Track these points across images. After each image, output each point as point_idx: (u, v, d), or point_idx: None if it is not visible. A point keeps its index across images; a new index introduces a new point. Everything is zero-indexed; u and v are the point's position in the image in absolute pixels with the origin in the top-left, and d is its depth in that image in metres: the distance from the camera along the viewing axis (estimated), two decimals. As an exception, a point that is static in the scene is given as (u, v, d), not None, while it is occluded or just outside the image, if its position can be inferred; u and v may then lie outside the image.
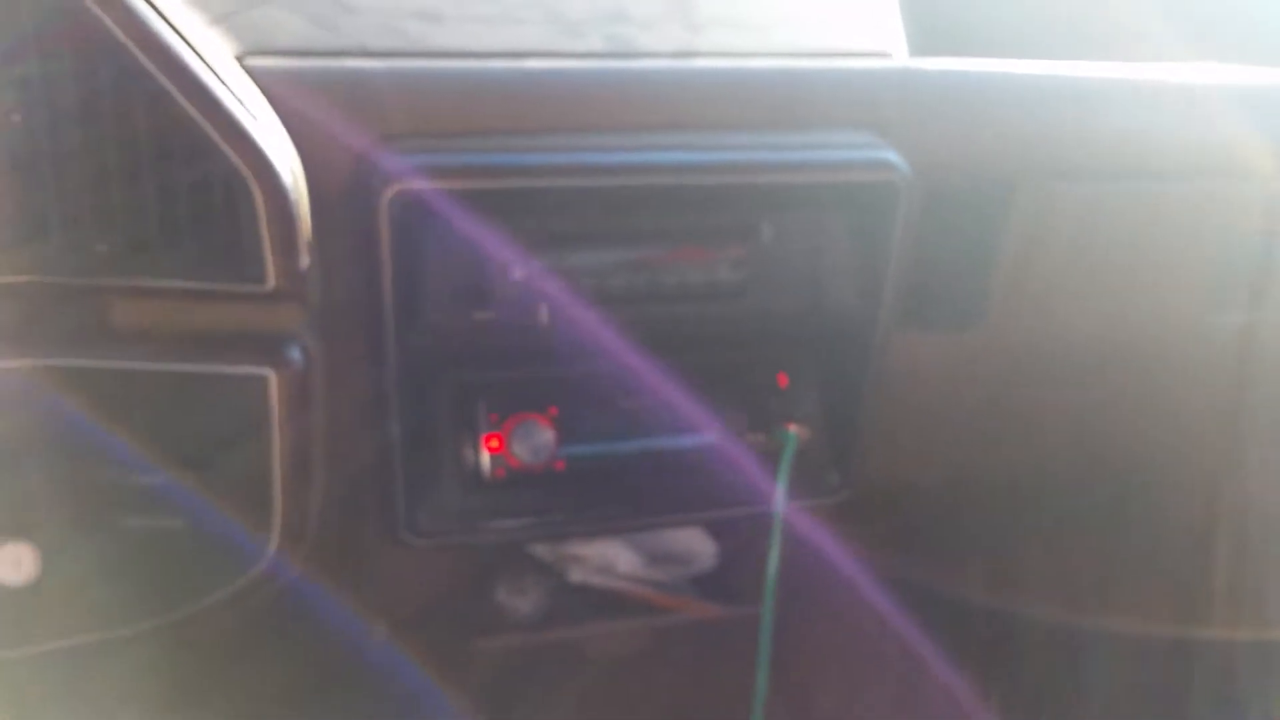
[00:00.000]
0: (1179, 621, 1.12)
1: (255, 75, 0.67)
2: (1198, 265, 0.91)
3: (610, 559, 0.91)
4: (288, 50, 0.70)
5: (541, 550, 0.92)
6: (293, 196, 0.61)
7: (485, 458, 0.78)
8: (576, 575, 0.91)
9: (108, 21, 0.56)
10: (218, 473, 0.63)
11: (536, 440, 0.78)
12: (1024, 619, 1.12)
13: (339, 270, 0.69)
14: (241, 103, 0.61)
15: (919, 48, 0.88)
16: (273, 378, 0.62)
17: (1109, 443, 0.98)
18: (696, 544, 0.96)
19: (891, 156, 0.78)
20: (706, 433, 0.82)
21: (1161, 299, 0.92)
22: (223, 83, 0.60)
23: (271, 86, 0.67)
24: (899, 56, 0.87)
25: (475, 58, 0.74)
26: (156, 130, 0.58)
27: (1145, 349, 0.94)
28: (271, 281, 0.61)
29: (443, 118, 0.72)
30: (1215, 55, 0.93)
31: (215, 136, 0.58)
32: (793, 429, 0.81)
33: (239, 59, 0.68)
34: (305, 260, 0.62)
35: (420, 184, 0.69)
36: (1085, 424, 0.96)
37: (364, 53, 0.72)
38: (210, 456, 0.63)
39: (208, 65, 0.60)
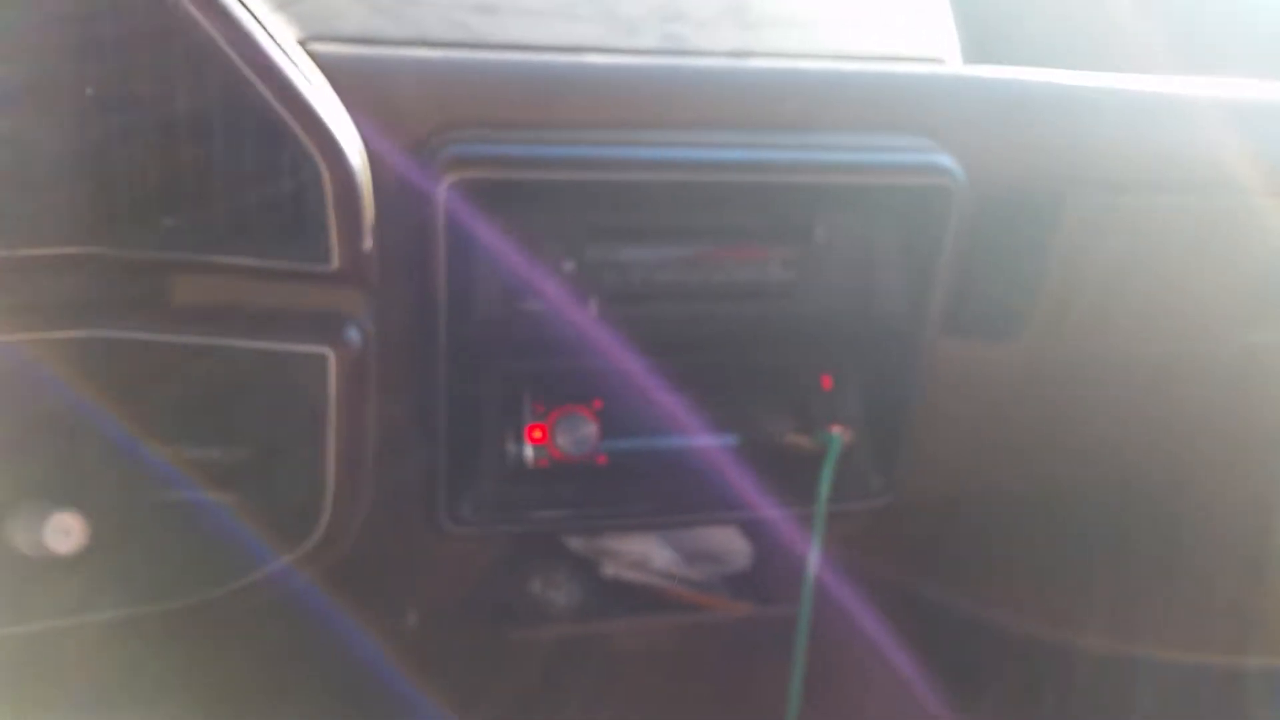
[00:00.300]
0: (1225, 648, 1.11)
1: (318, 60, 0.68)
2: (1244, 282, 0.91)
3: (646, 555, 0.92)
4: (350, 37, 0.71)
5: (576, 544, 0.92)
6: (360, 179, 0.62)
7: (528, 448, 0.78)
8: (610, 570, 0.91)
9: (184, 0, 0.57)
10: (272, 451, 0.64)
11: (580, 432, 0.78)
12: (1055, 640, 1.11)
13: (393, 257, 0.70)
14: (311, 85, 0.62)
15: (971, 55, 0.89)
16: (332, 357, 0.62)
17: (1148, 459, 0.97)
18: (730, 543, 0.96)
19: (947, 161, 0.78)
20: (749, 432, 0.82)
21: (1206, 315, 0.91)
22: (294, 64, 0.61)
23: (333, 72, 0.67)
24: (952, 63, 0.87)
25: (534, 51, 0.75)
26: (228, 108, 0.59)
27: (1189, 365, 0.93)
28: (335, 262, 0.61)
29: (500, 109, 0.72)
30: (1271, 72, 0.92)
31: (287, 117, 0.59)
32: (836, 431, 0.81)
33: (302, 44, 0.69)
34: (369, 243, 0.63)
35: (477, 173, 0.70)
36: (1125, 439, 0.95)
37: (425, 42, 0.73)
38: (265, 434, 0.64)
39: (279, 46, 0.61)
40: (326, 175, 0.60)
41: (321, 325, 0.64)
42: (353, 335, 0.64)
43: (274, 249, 0.61)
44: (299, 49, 0.68)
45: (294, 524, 0.66)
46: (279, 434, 0.64)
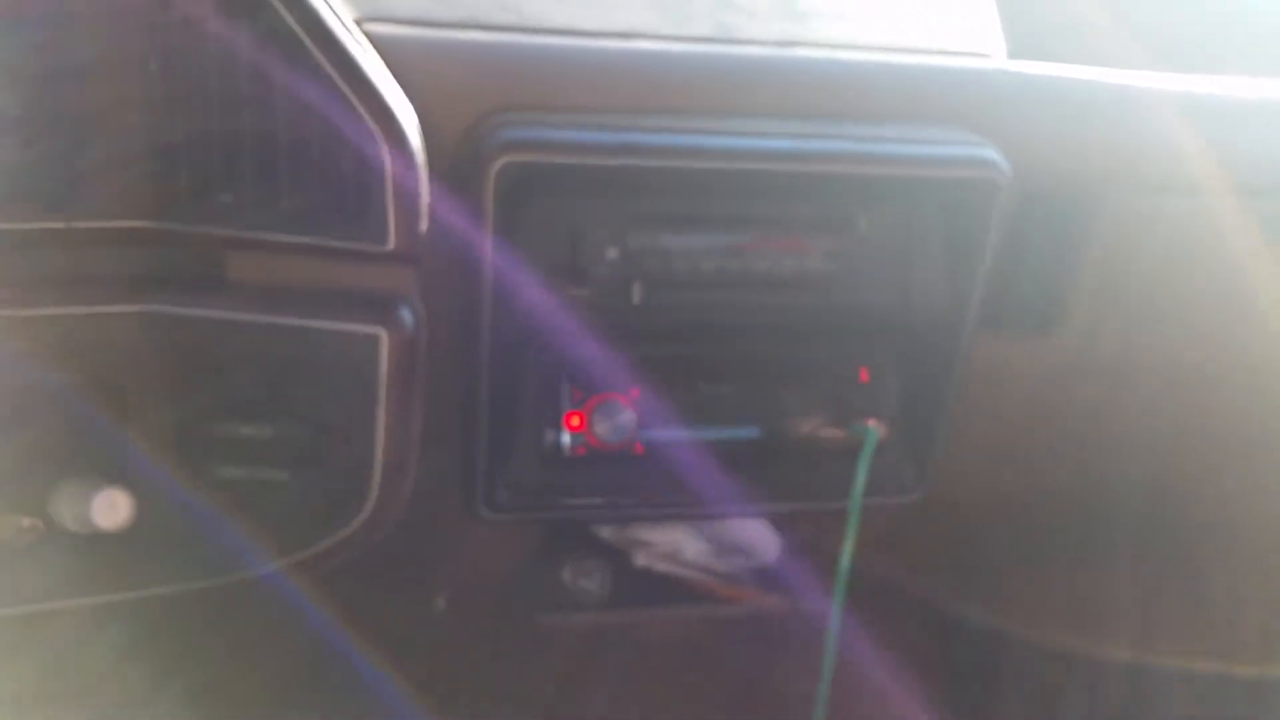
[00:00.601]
0: (1261, 660, 1.11)
1: (374, 40, 0.68)
2: None
3: (678, 546, 0.92)
4: (405, 19, 0.72)
5: (608, 533, 0.93)
6: (419, 160, 0.62)
7: (566, 435, 0.78)
8: (641, 560, 0.92)
9: None
10: (322, 429, 0.64)
11: (617, 420, 0.78)
12: (1080, 644, 1.11)
13: (441, 239, 0.70)
14: (373, 64, 0.62)
15: (1017, 52, 0.89)
16: (384, 337, 0.63)
17: (1184, 461, 0.97)
18: (761, 536, 0.96)
19: (993, 155, 0.77)
20: (785, 424, 0.82)
21: (1246, 318, 0.91)
22: (357, 43, 0.61)
23: (388, 53, 0.67)
24: (998, 58, 0.87)
25: (585, 36, 0.75)
26: (292, 85, 0.59)
27: (1227, 367, 0.93)
28: (392, 242, 0.62)
29: (551, 94, 0.72)
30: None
31: (351, 96, 0.59)
32: (872, 425, 0.80)
33: (358, 23, 0.69)
34: (424, 224, 0.63)
35: (528, 157, 0.70)
36: (1161, 440, 0.95)
37: (476, 25, 0.73)
38: (316, 412, 0.64)
39: (342, 24, 0.61)
40: (387, 155, 0.60)
41: (375, 305, 0.64)
42: (405, 316, 0.64)
43: (331, 228, 0.61)
44: (356, 28, 0.68)
45: (343, 502, 0.66)
46: (330, 412, 0.64)
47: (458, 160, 0.70)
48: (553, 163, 0.71)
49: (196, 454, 0.64)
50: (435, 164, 0.68)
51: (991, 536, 1.02)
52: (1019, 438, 0.93)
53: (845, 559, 0.81)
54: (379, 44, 0.68)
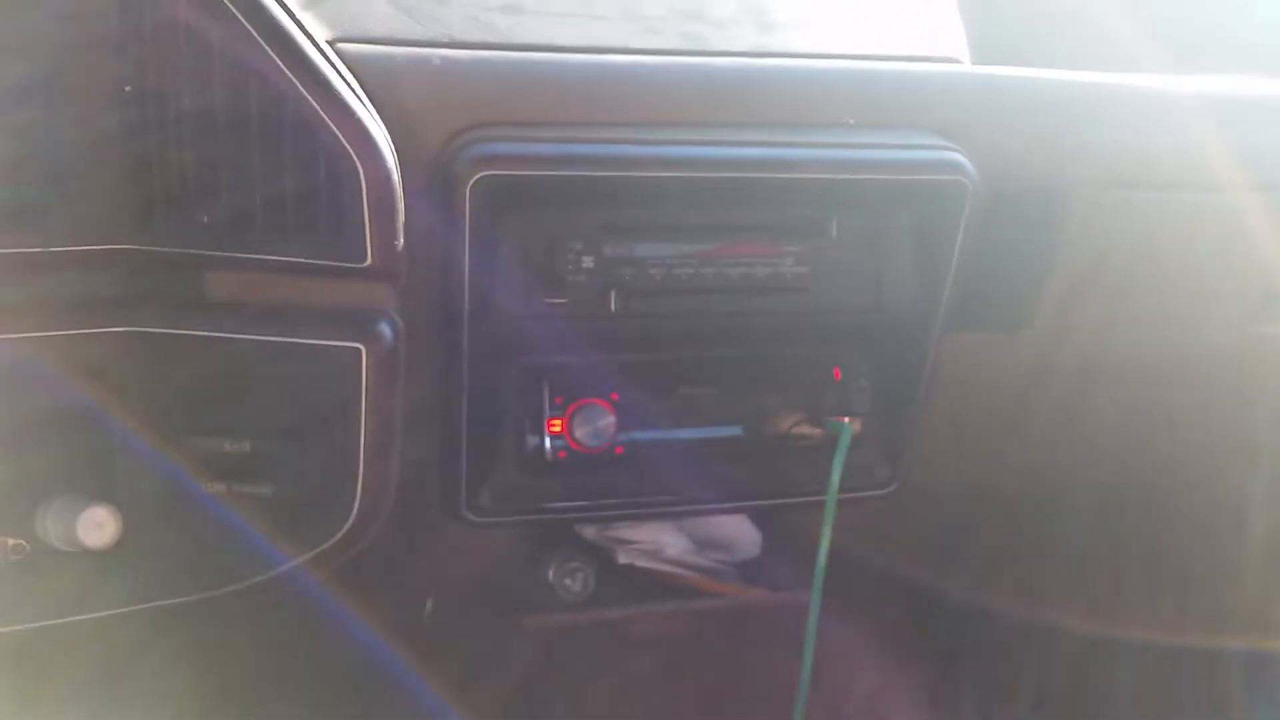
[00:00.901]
0: (1212, 633, 1.11)
1: (347, 59, 0.67)
2: (1247, 275, 0.91)
3: (659, 543, 0.91)
4: (378, 38, 0.71)
5: (590, 533, 0.92)
6: (394, 177, 0.61)
7: (547, 440, 0.78)
8: (624, 558, 0.91)
9: None
10: (304, 444, 0.64)
11: (597, 424, 0.78)
12: (1050, 627, 1.11)
13: (418, 253, 0.69)
14: (346, 84, 0.61)
15: (980, 57, 0.89)
16: (364, 352, 0.62)
17: (1152, 453, 0.97)
18: (741, 531, 0.95)
19: (960, 158, 0.77)
20: (761, 422, 0.82)
21: (1212, 309, 0.91)
22: (329, 63, 0.60)
23: (363, 72, 0.67)
24: (962, 62, 0.87)
25: (558, 51, 0.74)
26: (265, 105, 0.58)
27: (1194, 359, 0.93)
28: (370, 258, 0.61)
29: (526, 108, 0.72)
30: (1273, 68, 0.92)
31: (324, 114, 0.58)
32: (846, 421, 0.80)
33: (331, 43, 0.68)
34: (400, 239, 0.62)
35: (503, 171, 0.69)
36: (1130, 433, 0.95)
37: (452, 43, 0.72)
38: (298, 428, 0.63)
39: (315, 44, 0.60)
40: (362, 174, 0.59)
41: (355, 320, 0.63)
42: (384, 330, 0.64)
43: (309, 245, 0.61)
44: (329, 48, 0.67)
45: (325, 514, 0.65)
46: (312, 426, 0.64)
47: (434, 175, 0.70)
48: (528, 176, 0.71)
49: (181, 471, 0.63)
50: (412, 180, 0.67)
51: (967, 524, 1.02)
52: (990, 431, 0.93)
53: (823, 551, 0.81)
54: (353, 63, 0.67)
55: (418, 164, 0.68)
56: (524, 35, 0.75)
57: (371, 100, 0.66)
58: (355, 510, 0.65)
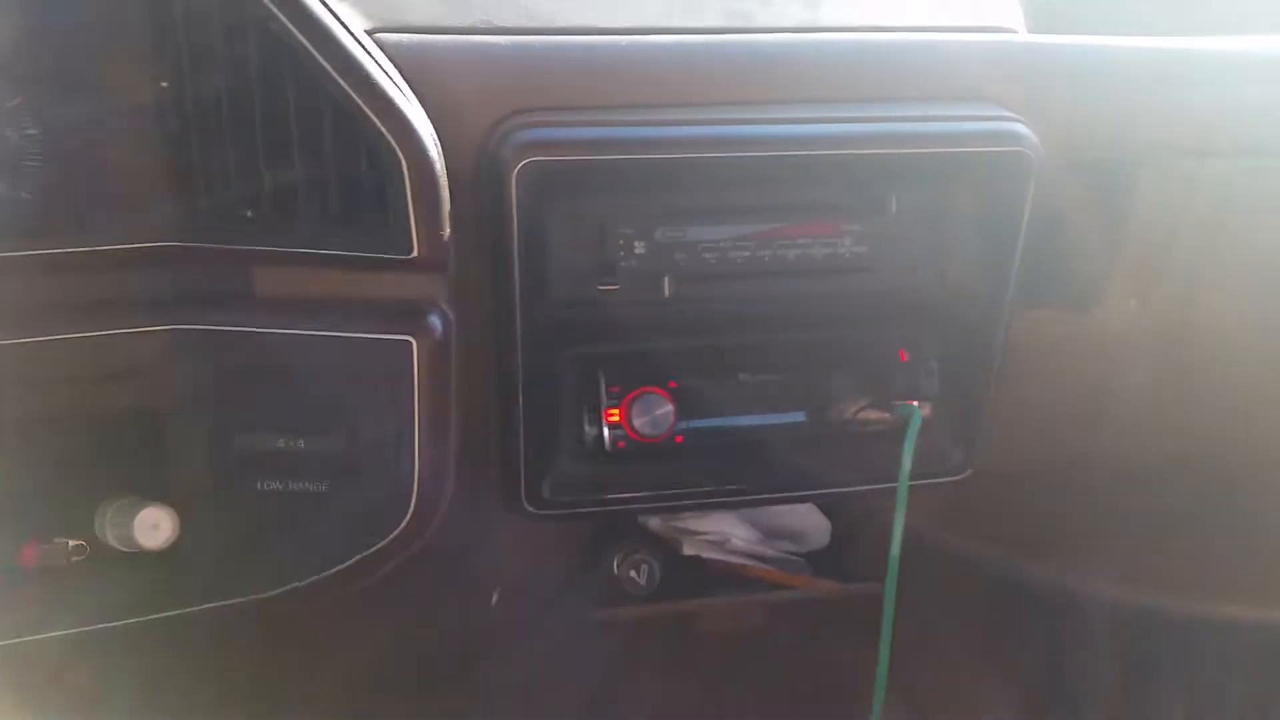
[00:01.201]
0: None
1: (387, 49, 0.65)
2: None
3: (725, 534, 0.87)
4: (418, 27, 0.68)
5: (656, 524, 0.88)
6: (438, 168, 0.58)
7: (605, 430, 0.74)
8: (690, 549, 0.87)
9: None
10: (358, 438, 0.61)
11: (656, 413, 0.73)
12: (1145, 609, 1.04)
13: (467, 243, 0.67)
14: (386, 75, 0.58)
15: (1035, 26, 0.84)
16: (415, 344, 0.59)
17: (1229, 429, 0.90)
18: (809, 521, 0.91)
19: (1022, 128, 0.73)
20: (825, 408, 0.77)
21: None
22: (369, 55, 0.58)
23: (403, 61, 0.65)
24: (1019, 31, 0.83)
25: (600, 34, 0.71)
26: (307, 100, 0.56)
27: (1275, 330, 0.86)
28: (416, 250, 0.58)
29: (569, 93, 0.69)
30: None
31: (365, 107, 0.56)
32: (915, 405, 0.75)
33: (371, 33, 0.66)
34: (447, 230, 0.59)
35: (549, 157, 0.66)
36: (1206, 409, 0.88)
37: (491, 29, 0.70)
38: (352, 421, 0.61)
39: (353, 36, 0.58)
40: (406, 165, 0.57)
41: (404, 313, 0.61)
42: (434, 322, 0.61)
43: (355, 238, 0.58)
44: (369, 39, 0.65)
45: (384, 509, 0.62)
46: (365, 421, 0.61)
47: (480, 163, 0.67)
48: (574, 161, 0.68)
49: (235, 469, 0.61)
50: (458, 169, 0.65)
51: (1047, 507, 0.95)
52: (1068, 411, 0.87)
53: (896, 540, 0.76)
54: (392, 53, 0.65)
55: (463, 153, 0.66)
56: (564, 19, 0.72)
57: (413, 90, 0.64)
58: (413, 505, 0.62)
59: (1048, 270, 0.79)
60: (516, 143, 0.66)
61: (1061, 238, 0.78)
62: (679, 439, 0.75)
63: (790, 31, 0.76)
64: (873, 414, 0.77)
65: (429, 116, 0.64)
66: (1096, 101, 0.77)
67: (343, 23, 0.59)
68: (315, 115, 0.57)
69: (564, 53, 0.70)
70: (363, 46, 0.59)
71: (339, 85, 0.57)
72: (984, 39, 0.79)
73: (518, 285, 0.68)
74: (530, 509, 0.76)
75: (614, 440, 0.74)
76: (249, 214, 0.57)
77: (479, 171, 0.66)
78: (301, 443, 0.60)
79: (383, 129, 0.57)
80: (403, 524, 0.62)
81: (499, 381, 0.72)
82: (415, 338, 0.60)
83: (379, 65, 0.59)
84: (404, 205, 0.58)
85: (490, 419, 0.73)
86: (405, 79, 0.64)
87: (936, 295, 0.78)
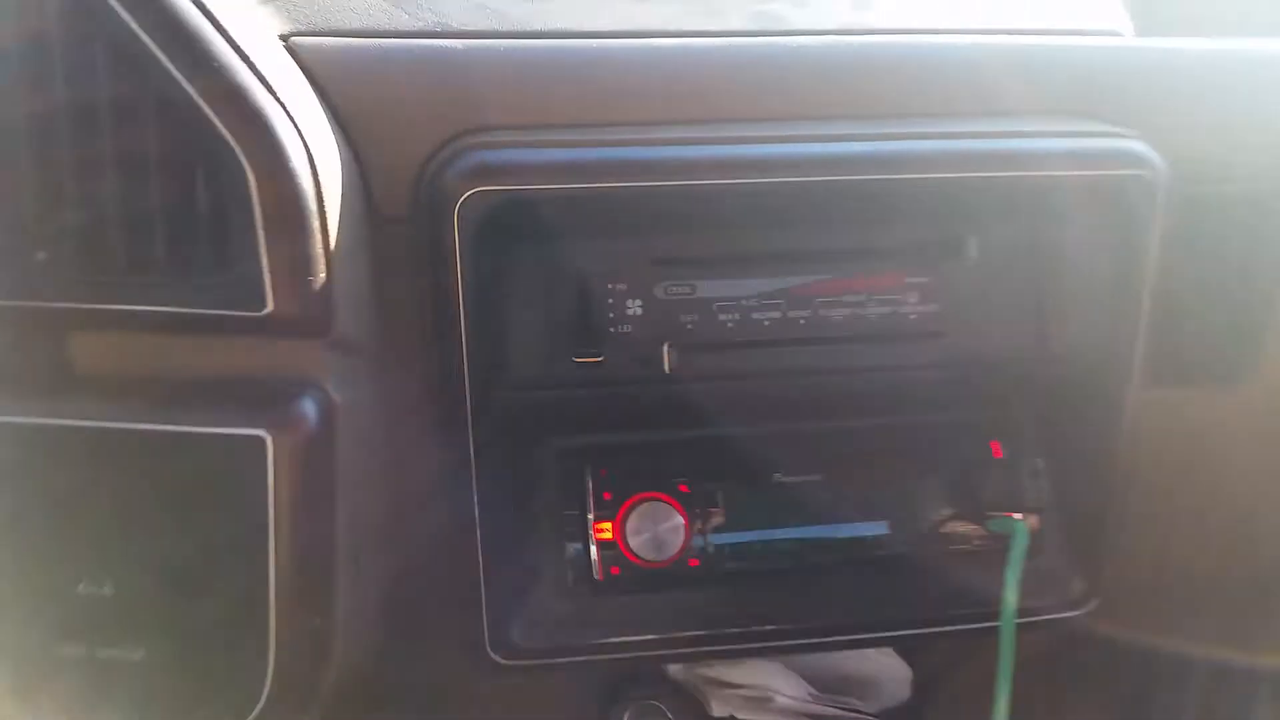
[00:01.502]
0: None
1: (302, 55, 0.51)
2: None
3: (767, 688, 0.67)
4: (352, 30, 0.53)
5: (677, 671, 0.69)
6: (302, 186, 0.41)
7: (594, 551, 0.58)
8: (720, 709, 0.67)
9: None
10: (187, 586, 0.41)
11: (661, 528, 0.58)
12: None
13: (400, 299, 0.51)
14: (275, 83, 0.42)
15: (1144, 29, 0.69)
16: (269, 441, 0.41)
17: None
18: (884, 667, 0.73)
19: (1142, 148, 0.57)
20: (894, 520, 0.61)
21: None
22: (238, 54, 0.41)
23: (321, 70, 0.51)
24: (1126, 35, 0.68)
25: (588, 37, 0.55)
26: (132, 98, 0.40)
27: None
28: (270, 304, 0.40)
29: (540, 107, 0.54)
30: None
31: (203, 106, 0.40)
32: (1018, 517, 0.59)
33: (284, 38, 0.52)
34: (320, 278, 0.41)
35: (503, 186, 0.51)
36: None
37: (447, 33, 0.54)
38: (178, 558, 0.41)
39: (223, 33, 0.41)
40: (255, 183, 0.39)
41: (257, 396, 0.43)
42: (304, 409, 0.43)
43: (185, 289, 0.40)
44: (277, 44, 0.51)
45: (224, 691, 0.42)
46: (197, 559, 0.41)
47: (418, 195, 0.52)
48: (538, 191, 0.51)
49: (35, 625, 0.41)
50: (390, 202, 0.50)
51: (1184, 632, 0.78)
52: (1207, 518, 0.69)
53: (1003, 694, 0.58)
54: (308, 60, 0.51)
55: (397, 181, 0.52)
56: (545, 22, 0.55)
57: (329, 102, 0.50)
58: (269, 683, 0.41)
59: (1182, 333, 0.64)
60: (463, 168, 0.51)
61: (1198, 291, 0.63)
62: (693, 562, 0.59)
63: (834, 34, 0.58)
64: (960, 527, 0.60)
65: (353, 136, 0.49)
66: (1229, 116, 0.62)
67: (214, 19, 0.42)
68: (133, 111, 0.41)
69: (534, 57, 0.54)
70: (239, 49, 0.43)
71: (169, 75, 0.40)
72: (1081, 43, 0.64)
73: (466, 353, 0.51)
74: (497, 658, 0.58)
75: (605, 565, 0.58)
76: (42, 256, 0.39)
77: (418, 205, 0.51)
78: (108, 589, 0.40)
79: (225, 132, 0.40)
80: (255, 712, 0.42)
81: (449, 485, 0.54)
82: (271, 433, 0.41)
83: (255, 70, 0.43)
84: (251, 240, 0.40)
85: (440, 540, 0.55)
86: (322, 89, 0.50)
87: (1036, 367, 0.62)
